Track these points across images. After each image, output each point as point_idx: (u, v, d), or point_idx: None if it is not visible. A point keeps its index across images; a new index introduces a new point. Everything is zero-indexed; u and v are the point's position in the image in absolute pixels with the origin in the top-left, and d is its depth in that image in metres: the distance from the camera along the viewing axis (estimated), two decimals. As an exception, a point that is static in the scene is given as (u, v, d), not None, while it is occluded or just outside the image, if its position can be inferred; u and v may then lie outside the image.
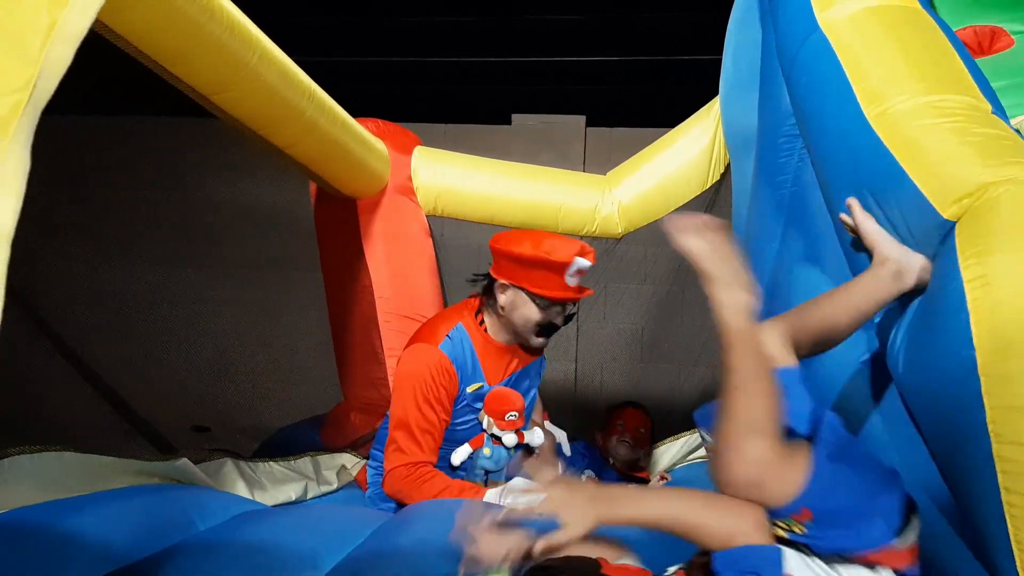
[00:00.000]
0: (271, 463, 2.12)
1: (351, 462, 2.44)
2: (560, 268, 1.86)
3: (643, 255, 3.61)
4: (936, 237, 1.04)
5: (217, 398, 3.96)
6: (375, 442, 2.15)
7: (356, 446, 2.54)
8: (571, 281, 1.90)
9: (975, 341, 0.89)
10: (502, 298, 1.94)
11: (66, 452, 1.45)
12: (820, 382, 1.37)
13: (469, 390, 1.96)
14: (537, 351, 2.11)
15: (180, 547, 1.34)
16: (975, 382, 0.88)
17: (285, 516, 1.61)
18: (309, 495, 2.10)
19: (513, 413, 1.97)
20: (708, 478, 1.05)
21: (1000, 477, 0.85)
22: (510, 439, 1.97)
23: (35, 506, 1.31)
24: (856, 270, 1.22)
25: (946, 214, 1.02)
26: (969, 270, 0.93)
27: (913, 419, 1.06)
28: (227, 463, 1.95)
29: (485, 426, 1.98)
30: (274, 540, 1.38)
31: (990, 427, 0.86)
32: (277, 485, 2.04)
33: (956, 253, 0.97)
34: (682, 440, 2.74)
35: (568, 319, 2.01)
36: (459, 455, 1.97)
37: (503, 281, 1.93)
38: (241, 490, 1.96)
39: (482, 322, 2.00)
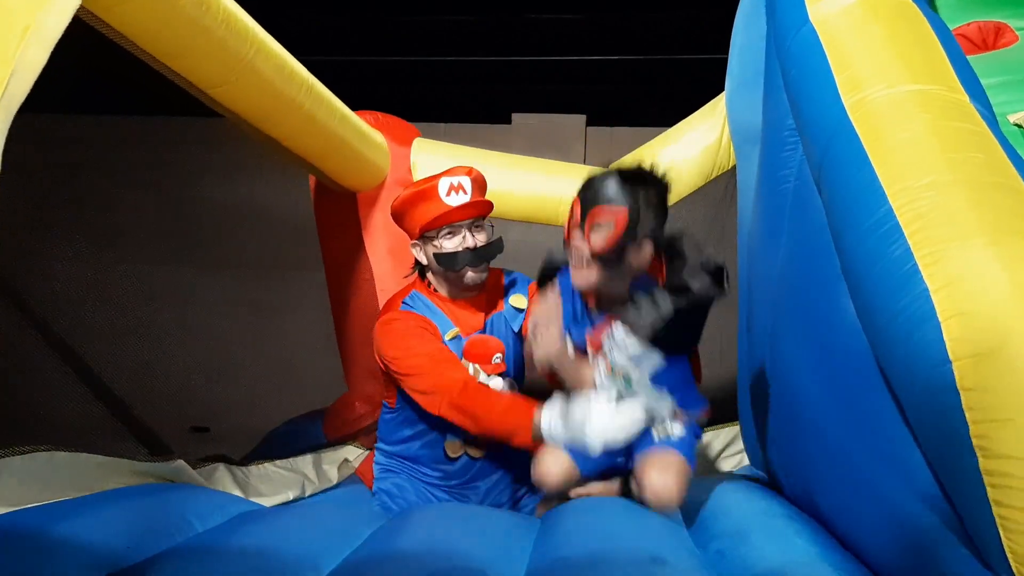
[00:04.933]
0: (266, 465, 2.10)
1: (354, 454, 2.42)
2: (431, 193, 1.84)
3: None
4: (884, 225, 1.03)
5: (214, 398, 3.94)
6: (379, 438, 2.11)
7: (358, 436, 2.52)
8: (454, 200, 1.84)
9: (950, 354, 0.86)
10: (419, 256, 1.95)
11: (57, 452, 1.42)
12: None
13: (447, 337, 1.92)
14: (495, 293, 2.02)
15: (177, 550, 1.31)
16: (954, 396, 0.85)
17: (283, 517, 1.59)
18: (307, 493, 2.08)
19: (498, 355, 1.92)
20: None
21: (989, 491, 0.84)
22: (497, 383, 1.92)
23: (29, 509, 1.29)
24: (848, 269, 1.21)
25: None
26: (933, 278, 0.91)
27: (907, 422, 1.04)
28: (219, 467, 1.93)
29: (471, 373, 1.92)
30: (272, 542, 1.35)
31: (975, 442, 0.84)
32: (272, 488, 2.01)
33: (911, 250, 0.96)
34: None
35: (492, 247, 1.91)
36: None
37: (412, 242, 1.95)
38: (235, 493, 1.92)
39: (429, 284, 1.98)
